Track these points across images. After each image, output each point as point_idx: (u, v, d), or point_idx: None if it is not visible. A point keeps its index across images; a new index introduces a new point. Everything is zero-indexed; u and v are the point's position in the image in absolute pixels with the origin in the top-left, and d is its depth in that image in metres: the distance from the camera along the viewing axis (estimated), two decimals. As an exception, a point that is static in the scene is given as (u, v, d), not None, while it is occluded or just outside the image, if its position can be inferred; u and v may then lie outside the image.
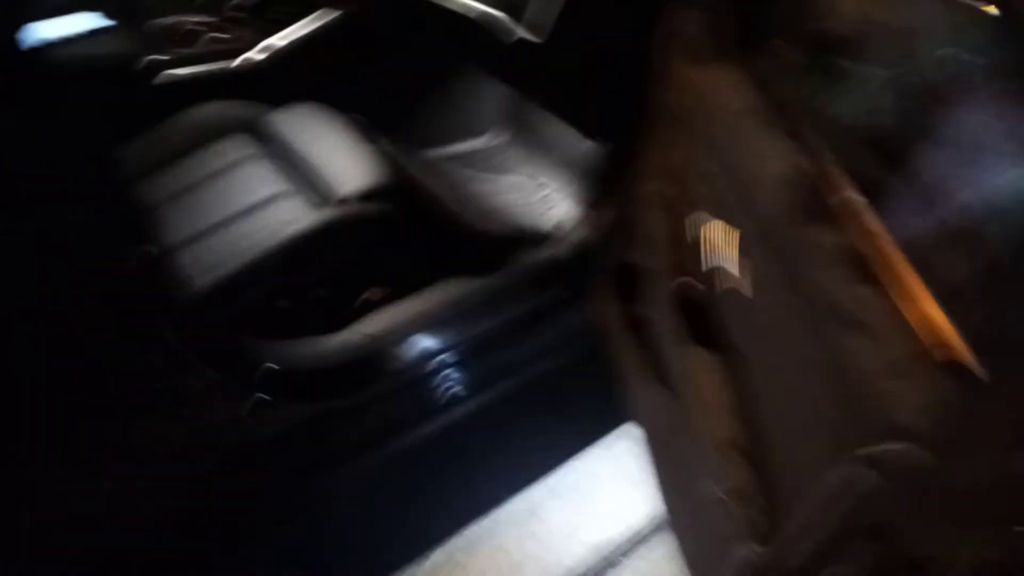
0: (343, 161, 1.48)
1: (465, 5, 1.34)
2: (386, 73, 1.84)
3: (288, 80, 1.72)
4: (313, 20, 1.73)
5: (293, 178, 1.49)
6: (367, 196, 1.41)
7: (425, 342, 1.40)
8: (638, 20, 1.09)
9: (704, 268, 0.98)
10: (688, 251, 1.04)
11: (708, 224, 0.96)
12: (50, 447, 1.02)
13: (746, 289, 0.86)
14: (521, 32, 1.22)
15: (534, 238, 1.57)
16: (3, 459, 0.98)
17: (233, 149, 1.55)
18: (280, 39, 1.72)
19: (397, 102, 1.91)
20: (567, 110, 1.45)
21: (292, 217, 1.37)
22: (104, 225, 1.01)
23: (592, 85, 1.28)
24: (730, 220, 0.90)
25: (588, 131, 1.47)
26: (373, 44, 1.81)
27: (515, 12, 1.25)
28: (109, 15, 1.55)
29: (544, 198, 1.85)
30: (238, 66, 1.69)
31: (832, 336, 0.75)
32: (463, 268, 1.48)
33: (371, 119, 1.66)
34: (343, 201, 1.40)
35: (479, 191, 1.86)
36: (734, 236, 0.88)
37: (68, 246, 0.95)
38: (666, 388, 1.06)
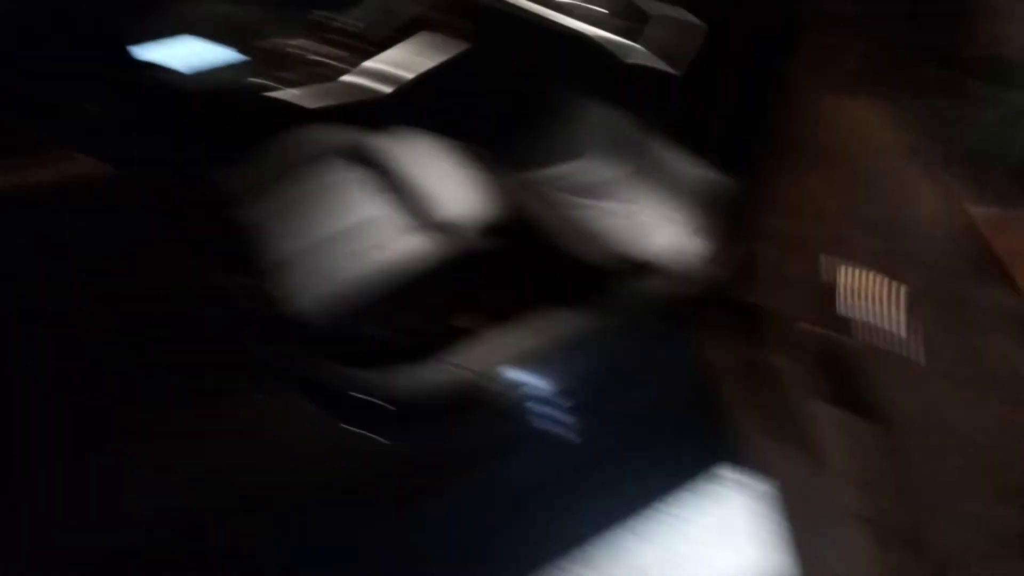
0: (450, 187, 1.44)
1: (579, 28, 1.28)
2: (488, 93, 1.79)
3: (399, 110, 1.67)
4: (428, 47, 1.67)
5: (397, 202, 1.44)
6: (475, 225, 1.36)
7: (519, 374, 1.35)
8: (779, 49, 1.01)
9: (847, 318, 0.88)
10: (823, 297, 0.95)
11: (854, 272, 0.87)
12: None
13: (910, 351, 0.76)
14: (652, 62, 1.15)
15: (640, 269, 1.48)
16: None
17: (336, 171, 1.51)
18: (391, 66, 1.67)
19: (498, 122, 1.84)
20: (687, 138, 1.37)
21: (396, 245, 1.32)
22: (206, 244, 1.01)
23: (720, 114, 1.20)
24: (886, 270, 0.81)
25: (710, 160, 1.39)
26: (483, 70, 1.76)
27: (632, 36, 1.19)
28: (214, 38, 1.55)
29: (652, 226, 1.73)
30: (352, 93, 1.64)
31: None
32: (562, 297, 1.41)
33: (469, 137, 1.61)
34: (449, 228, 1.35)
35: (580, 216, 1.76)
36: (895, 290, 0.79)
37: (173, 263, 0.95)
38: (796, 446, 0.97)
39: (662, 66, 1.14)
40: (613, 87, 1.54)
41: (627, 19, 1.23)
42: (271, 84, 1.59)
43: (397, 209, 1.42)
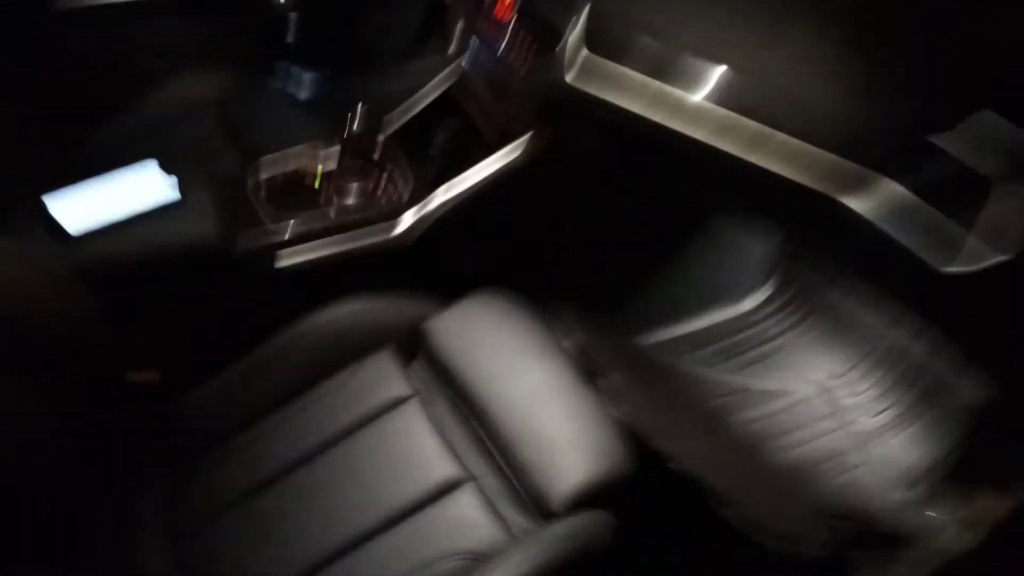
0: (549, 431, 1.05)
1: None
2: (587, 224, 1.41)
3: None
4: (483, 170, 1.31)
5: (470, 449, 1.11)
6: (590, 501, 1.01)
7: None
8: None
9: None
10: None
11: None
12: None
13: None
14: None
15: (876, 537, 1.03)
16: None
17: (381, 385, 1.15)
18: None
19: (606, 262, 1.45)
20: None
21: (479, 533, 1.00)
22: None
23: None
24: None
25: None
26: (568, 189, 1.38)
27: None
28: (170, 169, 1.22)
29: (875, 437, 1.22)
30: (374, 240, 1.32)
31: None
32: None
33: (567, 292, 1.26)
34: (553, 515, 1.01)
35: (748, 424, 1.23)
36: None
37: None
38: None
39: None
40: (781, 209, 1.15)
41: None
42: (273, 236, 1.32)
43: (476, 464, 1.10)
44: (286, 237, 1.27)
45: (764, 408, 1.30)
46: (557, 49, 1.12)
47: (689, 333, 1.47)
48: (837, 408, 1.29)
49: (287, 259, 1.28)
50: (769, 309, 1.46)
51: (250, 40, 1.63)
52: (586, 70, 1.08)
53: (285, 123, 1.47)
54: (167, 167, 1.21)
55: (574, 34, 1.09)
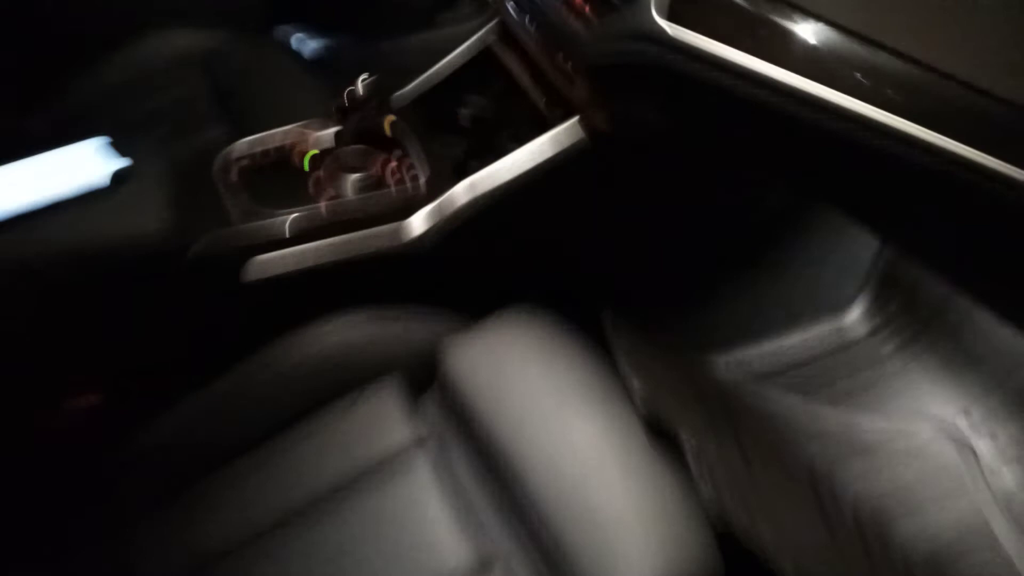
0: (604, 505, 0.76)
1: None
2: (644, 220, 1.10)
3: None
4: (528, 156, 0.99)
5: (493, 517, 0.83)
6: None
7: None
8: None
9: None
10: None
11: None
12: None
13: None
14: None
15: None
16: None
17: (382, 426, 0.89)
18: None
19: (672, 267, 1.16)
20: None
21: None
22: None
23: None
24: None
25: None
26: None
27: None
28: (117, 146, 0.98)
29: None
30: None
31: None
32: None
33: (623, 305, 1.00)
34: None
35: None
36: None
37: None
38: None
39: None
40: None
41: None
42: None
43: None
44: (260, 240, 0.99)
45: (877, 459, 1.00)
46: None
47: (775, 352, 1.17)
48: (972, 459, 1.00)
49: (259, 269, 0.98)
50: (873, 324, 1.18)
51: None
52: (683, 9, 0.77)
53: (282, 94, 1.20)
54: (123, 143, 0.96)
55: None
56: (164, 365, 0.92)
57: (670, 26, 0.76)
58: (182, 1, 1.28)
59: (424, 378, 0.93)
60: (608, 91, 0.92)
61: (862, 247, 1.19)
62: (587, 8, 0.93)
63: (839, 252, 1.20)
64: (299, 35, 1.37)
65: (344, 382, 0.92)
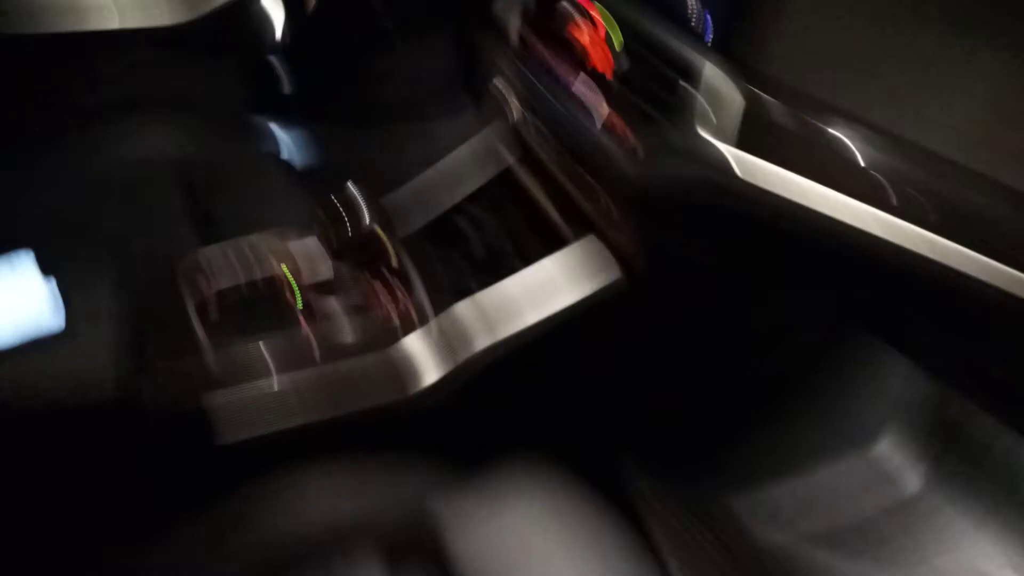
0: None
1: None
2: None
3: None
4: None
5: None
6: None
7: None
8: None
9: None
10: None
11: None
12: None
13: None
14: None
15: None
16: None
17: None
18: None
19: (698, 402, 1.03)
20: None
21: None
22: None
23: None
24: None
25: None
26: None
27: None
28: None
29: None
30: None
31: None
32: None
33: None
34: None
35: None
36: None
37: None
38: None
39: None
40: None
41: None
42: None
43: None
44: (233, 371, 0.84)
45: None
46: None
47: (804, 495, 1.04)
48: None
49: (231, 414, 0.82)
50: (914, 464, 1.05)
51: (231, 86, 1.27)
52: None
53: (260, 197, 1.09)
54: (76, 265, 0.83)
55: (733, 100, 0.70)
56: (118, 519, 0.77)
57: (736, 158, 0.67)
58: (155, 90, 1.17)
59: (406, 548, 0.78)
60: (650, 222, 0.82)
61: (896, 378, 1.08)
62: (625, 125, 0.83)
63: (872, 383, 1.09)
64: (280, 130, 1.27)
65: (302, 558, 0.76)
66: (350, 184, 0.98)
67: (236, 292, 0.92)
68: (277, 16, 1.28)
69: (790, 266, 0.78)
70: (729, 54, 0.72)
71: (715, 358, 1.02)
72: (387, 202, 1.07)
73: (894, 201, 0.62)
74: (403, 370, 0.89)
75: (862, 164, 0.63)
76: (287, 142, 1.24)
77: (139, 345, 0.83)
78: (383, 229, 1.02)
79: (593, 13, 0.91)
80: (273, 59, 1.24)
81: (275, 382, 0.86)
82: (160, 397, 0.81)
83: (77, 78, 1.17)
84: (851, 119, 0.64)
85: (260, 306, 0.92)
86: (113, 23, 1.15)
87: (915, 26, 0.62)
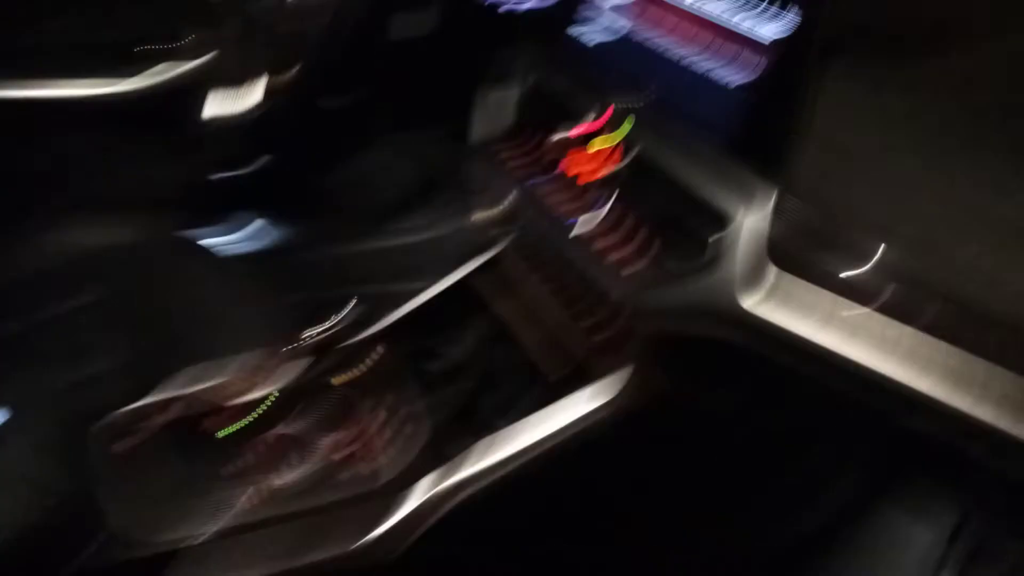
0: None
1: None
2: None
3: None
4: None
5: None
6: None
7: None
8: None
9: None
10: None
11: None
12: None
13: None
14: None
15: None
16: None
17: None
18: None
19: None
20: None
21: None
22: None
23: None
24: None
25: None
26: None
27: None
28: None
29: None
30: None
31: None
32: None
33: None
34: None
35: None
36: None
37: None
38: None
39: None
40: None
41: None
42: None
43: None
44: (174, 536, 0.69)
45: None
46: (712, 255, 0.66)
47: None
48: None
49: None
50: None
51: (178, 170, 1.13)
52: (778, 293, 0.63)
53: (215, 312, 0.94)
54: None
55: (754, 236, 0.65)
56: None
57: (764, 310, 0.64)
58: (91, 187, 1.02)
59: None
60: (648, 352, 0.75)
61: (928, 533, 1.02)
62: (640, 261, 0.76)
63: (899, 539, 1.02)
64: (243, 230, 1.14)
65: None
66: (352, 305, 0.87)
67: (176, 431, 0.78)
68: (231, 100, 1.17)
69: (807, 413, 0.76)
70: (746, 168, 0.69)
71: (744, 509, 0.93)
72: (353, 312, 0.96)
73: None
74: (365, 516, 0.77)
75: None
76: (250, 244, 1.11)
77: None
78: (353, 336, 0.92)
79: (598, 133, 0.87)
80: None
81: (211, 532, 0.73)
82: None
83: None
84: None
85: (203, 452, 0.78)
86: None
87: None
